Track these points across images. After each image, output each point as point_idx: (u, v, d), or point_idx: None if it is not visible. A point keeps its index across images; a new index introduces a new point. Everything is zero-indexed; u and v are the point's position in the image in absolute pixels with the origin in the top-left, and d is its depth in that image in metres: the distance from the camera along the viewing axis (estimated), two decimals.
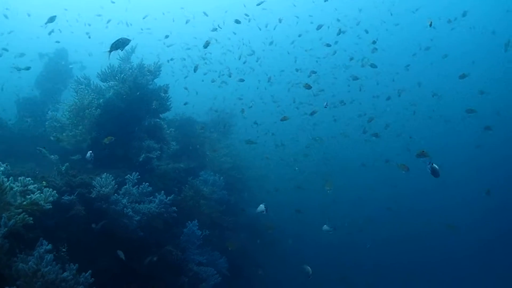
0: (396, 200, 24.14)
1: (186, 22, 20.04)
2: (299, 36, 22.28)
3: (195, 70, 13.51)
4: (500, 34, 30.14)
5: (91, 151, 8.41)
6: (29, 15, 25.52)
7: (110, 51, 7.50)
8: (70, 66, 15.42)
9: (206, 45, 11.80)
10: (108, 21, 22.43)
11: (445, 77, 30.73)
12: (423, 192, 26.24)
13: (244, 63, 23.54)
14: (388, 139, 27.66)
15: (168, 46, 21.09)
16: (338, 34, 12.49)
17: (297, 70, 21.40)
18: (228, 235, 11.46)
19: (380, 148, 28.68)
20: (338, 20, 20.39)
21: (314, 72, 15.89)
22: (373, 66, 14.33)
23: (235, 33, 25.88)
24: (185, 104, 13.98)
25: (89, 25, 26.84)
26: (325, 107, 9.66)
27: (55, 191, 5.94)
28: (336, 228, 10.50)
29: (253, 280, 13.21)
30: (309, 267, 8.44)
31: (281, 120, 11.44)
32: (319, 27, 16.77)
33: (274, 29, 26.35)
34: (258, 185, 18.04)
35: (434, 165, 6.94)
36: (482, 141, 27.34)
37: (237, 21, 15.02)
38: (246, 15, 21.95)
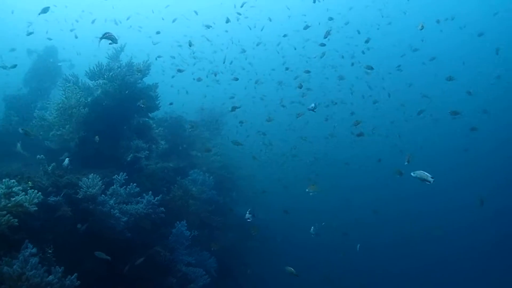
0: (386, 201, 24.31)
1: (173, 21, 19.82)
2: (284, 36, 22.16)
3: (180, 71, 13.42)
4: (489, 37, 30.45)
5: (69, 158, 8.26)
6: (12, 12, 25.08)
7: (101, 38, 7.54)
8: (59, 64, 15.23)
9: (190, 44, 11.78)
10: (93, 21, 22.11)
11: (435, 78, 30.94)
12: (416, 195, 26.29)
13: (230, 63, 23.50)
14: (378, 139, 27.89)
15: (154, 44, 20.83)
16: (326, 37, 12.40)
17: (287, 69, 21.37)
18: (217, 234, 11.43)
19: (372, 148, 28.87)
20: (331, 18, 20.24)
21: (308, 72, 15.85)
22: (369, 68, 14.34)
23: (227, 31, 25.70)
24: (170, 104, 13.84)
25: (77, 21, 26.48)
26: (314, 111, 9.27)
27: (40, 193, 5.86)
28: (319, 234, 10.46)
29: (241, 279, 13.21)
30: (291, 268, 8.40)
31: (267, 121, 11.41)
32: (306, 27, 16.82)
33: (262, 30, 26.12)
34: (248, 184, 17.98)
35: (416, 173, 6.90)
36: (470, 142, 27.61)
37: (227, 20, 14.95)
38: (239, 13, 21.91)
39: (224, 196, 13.56)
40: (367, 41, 17.13)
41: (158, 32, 21.16)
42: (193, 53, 23.44)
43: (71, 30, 22.02)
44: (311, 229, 10.90)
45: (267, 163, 23.52)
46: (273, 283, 15.61)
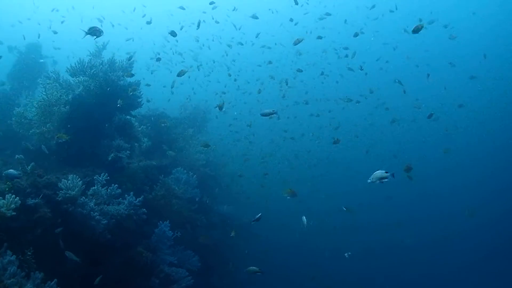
0: (372, 200, 24.47)
1: (148, 23, 19.49)
2: (256, 35, 22.14)
3: (159, 59, 13.35)
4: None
5: (33, 163, 8.05)
6: None
7: (86, 33, 7.46)
8: (41, 61, 14.92)
9: (174, 34, 11.72)
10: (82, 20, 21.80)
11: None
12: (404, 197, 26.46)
13: (214, 62, 23.37)
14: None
15: (127, 40, 20.61)
16: (295, 44, 12.28)
17: (270, 62, 21.33)
18: (200, 233, 11.37)
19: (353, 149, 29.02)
20: (325, 15, 20.22)
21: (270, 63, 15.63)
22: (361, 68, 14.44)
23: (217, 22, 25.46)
24: (148, 101, 13.69)
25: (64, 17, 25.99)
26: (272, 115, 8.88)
27: (17, 198, 5.73)
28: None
29: (225, 277, 13.22)
30: (254, 268, 8.40)
31: (248, 126, 11.37)
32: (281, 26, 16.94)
33: (239, 29, 25.88)
34: (232, 182, 17.97)
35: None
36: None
37: (198, 25, 14.78)
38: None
39: (208, 194, 13.51)
40: (356, 35, 17.13)
41: (149, 24, 20.90)
42: (175, 51, 23.19)
43: (49, 28, 21.55)
44: (303, 220, 10.51)
45: (251, 161, 23.45)
46: (257, 281, 15.64)
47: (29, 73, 13.99)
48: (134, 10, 26.59)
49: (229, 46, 24.08)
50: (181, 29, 17.38)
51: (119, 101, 9.59)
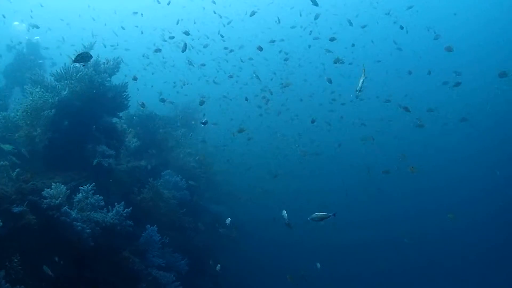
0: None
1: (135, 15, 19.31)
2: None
3: (134, 79, 13.22)
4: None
5: (18, 169, 7.95)
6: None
7: (74, 61, 7.32)
8: (40, 61, 14.74)
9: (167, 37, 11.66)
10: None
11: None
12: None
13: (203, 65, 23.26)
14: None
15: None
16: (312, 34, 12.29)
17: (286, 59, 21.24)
18: (189, 235, 11.36)
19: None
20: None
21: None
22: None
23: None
24: (142, 106, 13.63)
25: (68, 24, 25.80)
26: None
27: None
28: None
29: (218, 277, 13.21)
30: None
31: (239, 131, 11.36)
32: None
33: (225, 26, 25.70)
34: (223, 181, 17.93)
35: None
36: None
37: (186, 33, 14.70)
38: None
39: (198, 195, 13.49)
40: (351, 21, 17.06)
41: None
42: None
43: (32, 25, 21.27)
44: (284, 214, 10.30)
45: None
46: (250, 281, 15.69)
47: (26, 73, 13.82)
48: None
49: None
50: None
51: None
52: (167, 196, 10.17)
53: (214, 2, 21.35)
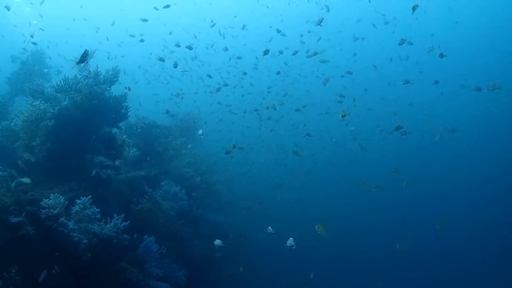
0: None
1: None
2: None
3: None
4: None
5: (17, 180, 7.97)
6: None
7: (78, 63, 7.32)
8: (45, 70, 14.81)
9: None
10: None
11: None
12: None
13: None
14: None
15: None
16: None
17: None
18: (188, 245, 11.34)
19: None
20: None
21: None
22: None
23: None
24: (143, 117, 13.68)
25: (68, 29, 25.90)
26: None
27: None
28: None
29: (218, 285, 13.16)
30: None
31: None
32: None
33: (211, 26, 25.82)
34: (223, 189, 17.93)
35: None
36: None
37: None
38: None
39: (197, 205, 13.49)
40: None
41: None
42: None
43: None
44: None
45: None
46: None
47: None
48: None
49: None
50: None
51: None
52: (165, 207, 10.16)
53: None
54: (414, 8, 10.93)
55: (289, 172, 25.87)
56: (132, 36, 20.14)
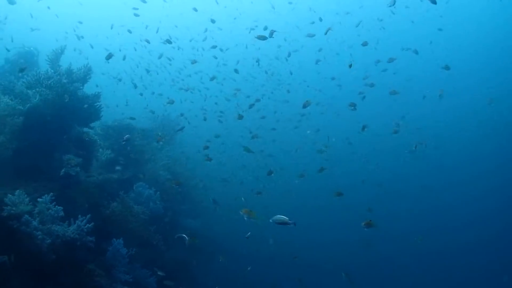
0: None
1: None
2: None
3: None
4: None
5: None
6: None
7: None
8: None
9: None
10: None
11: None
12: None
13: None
14: None
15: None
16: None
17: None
18: (161, 250, 11.00)
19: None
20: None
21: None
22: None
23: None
24: (132, 118, 13.38)
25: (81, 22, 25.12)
26: None
27: None
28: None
29: None
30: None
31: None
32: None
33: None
34: (200, 195, 17.60)
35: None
36: None
37: (168, 42, 14.62)
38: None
39: (173, 209, 13.19)
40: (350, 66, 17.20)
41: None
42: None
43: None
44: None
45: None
46: None
47: None
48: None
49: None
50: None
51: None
52: (136, 211, 9.82)
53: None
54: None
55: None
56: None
